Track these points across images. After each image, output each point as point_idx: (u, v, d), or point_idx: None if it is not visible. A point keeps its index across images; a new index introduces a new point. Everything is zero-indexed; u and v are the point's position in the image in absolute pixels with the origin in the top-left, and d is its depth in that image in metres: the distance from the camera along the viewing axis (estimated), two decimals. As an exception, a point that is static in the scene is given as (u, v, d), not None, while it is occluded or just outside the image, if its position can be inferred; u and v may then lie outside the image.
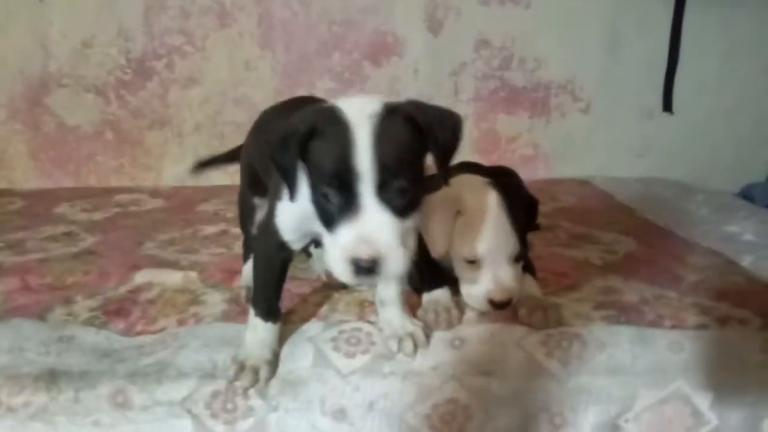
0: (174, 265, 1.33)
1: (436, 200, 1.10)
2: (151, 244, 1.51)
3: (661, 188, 2.10)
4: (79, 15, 2.18)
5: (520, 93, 2.29)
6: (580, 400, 0.94)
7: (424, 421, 0.93)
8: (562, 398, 0.94)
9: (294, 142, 0.80)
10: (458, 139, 0.84)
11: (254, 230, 1.18)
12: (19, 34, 2.20)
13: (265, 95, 2.23)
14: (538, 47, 2.25)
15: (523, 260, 1.09)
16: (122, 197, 2.04)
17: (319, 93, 1.89)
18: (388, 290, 1.02)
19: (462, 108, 2.25)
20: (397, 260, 0.78)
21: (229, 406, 0.92)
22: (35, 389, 0.93)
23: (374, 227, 0.78)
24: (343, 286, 1.22)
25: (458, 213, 1.06)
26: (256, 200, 1.19)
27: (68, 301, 1.15)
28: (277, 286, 1.00)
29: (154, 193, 2.10)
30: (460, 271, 1.08)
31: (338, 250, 0.79)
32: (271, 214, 0.96)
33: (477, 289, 1.06)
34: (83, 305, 1.14)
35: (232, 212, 1.82)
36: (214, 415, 0.91)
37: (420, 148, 0.83)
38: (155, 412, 0.91)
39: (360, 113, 0.79)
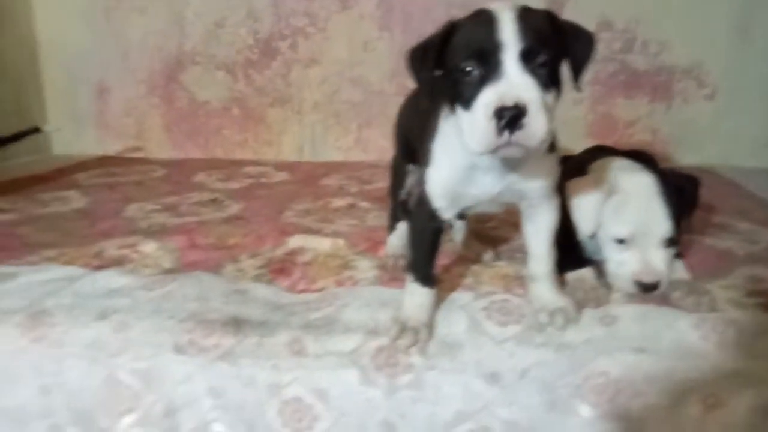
0: (318, 232, 1.44)
1: (589, 180, 1.13)
2: (290, 213, 1.63)
3: (790, 180, 2.00)
4: (213, -3, 2.34)
5: (641, 77, 2.22)
6: (736, 383, 0.94)
7: (575, 391, 0.97)
8: (716, 380, 0.95)
9: (434, 40, 0.87)
10: (592, 51, 0.88)
11: (403, 196, 1.25)
12: (158, 14, 2.40)
13: (381, 76, 2.31)
14: (663, 30, 2.18)
15: (676, 246, 1.09)
16: (250, 169, 2.19)
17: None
18: (540, 265, 1.06)
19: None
20: (540, 121, 0.78)
21: (392, 361, 1.00)
22: (224, 333, 1.04)
23: (518, 84, 0.79)
24: (479, 259, 1.28)
25: (611, 193, 1.08)
26: (410, 167, 1.25)
27: (235, 259, 1.28)
28: (431, 254, 1.05)
29: (278, 166, 2.24)
30: (609, 251, 1.10)
31: (480, 109, 0.79)
32: (422, 181, 1.02)
33: (624, 269, 1.08)
34: (249, 263, 1.26)
35: (355, 187, 1.92)
36: (377, 368, 1.00)
37: (558, 45, 0.84)
38: (326, 361, 1.01)
39: (501, 7, 0.85)
